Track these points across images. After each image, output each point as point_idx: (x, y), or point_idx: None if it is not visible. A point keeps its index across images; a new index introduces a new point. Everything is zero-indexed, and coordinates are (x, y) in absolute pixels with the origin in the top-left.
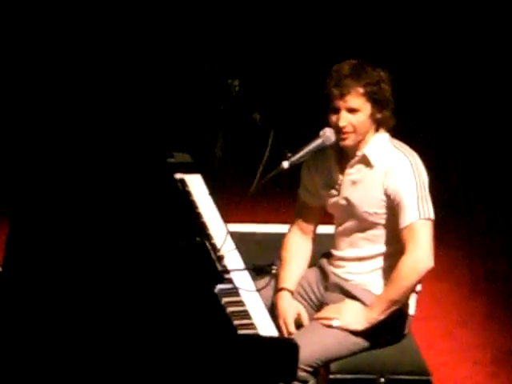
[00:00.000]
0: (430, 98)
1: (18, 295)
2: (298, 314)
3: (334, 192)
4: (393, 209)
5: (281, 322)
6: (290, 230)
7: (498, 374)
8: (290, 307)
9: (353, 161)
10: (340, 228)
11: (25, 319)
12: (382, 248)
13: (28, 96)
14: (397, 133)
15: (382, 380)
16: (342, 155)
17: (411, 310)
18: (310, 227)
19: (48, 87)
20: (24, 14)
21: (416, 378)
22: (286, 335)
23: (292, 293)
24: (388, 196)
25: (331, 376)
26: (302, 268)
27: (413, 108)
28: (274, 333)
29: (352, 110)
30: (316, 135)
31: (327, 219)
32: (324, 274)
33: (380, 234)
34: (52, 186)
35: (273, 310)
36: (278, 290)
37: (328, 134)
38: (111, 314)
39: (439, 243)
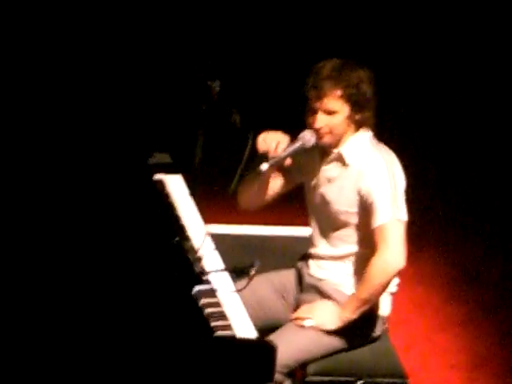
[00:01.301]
0: (420, 100)
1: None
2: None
3: (312, 186)
4: (365, 209)
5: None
6: None
7: (476, 378)
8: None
9: (329, 158)
10: (315, 225)
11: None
12: (355, 248)
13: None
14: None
15: (359, 383)
16: (324, 151)
17: (385, 311)
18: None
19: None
20: (18, 14)
21: (393, 380)
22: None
23: None
24: (361, 196)
25: (308, 379)
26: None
27: (399, 110)
28: (253, 334)
29: (329, 112)
30: (295, 138)
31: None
32: (300, 276)
33: (352, 233)
34: (25, 188)
35: (253, 311)
36: None
37: (307, 137)
38: (86, 314)
39: (419, 247)
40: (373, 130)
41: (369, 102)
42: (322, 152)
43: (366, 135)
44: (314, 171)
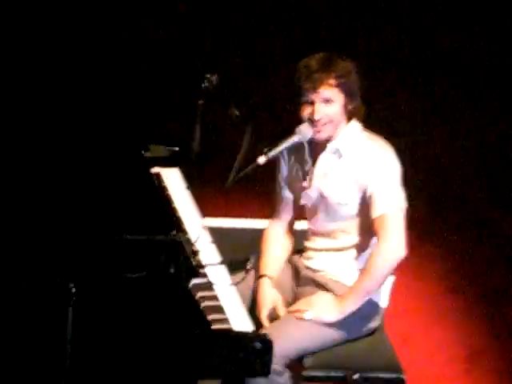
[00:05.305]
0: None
1: None
2: (275, 307)
3: (305, 184)
4: (364, 200)
5: (257, 313)
6: (269, 224)
7: (472, 370)
8: (267, 298)
9: (324, 152)
10: (312, 220)
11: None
12: (355, 239)
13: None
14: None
15: (355, 377)
16: (314, 147)
17: (384, 303)
18: (289, 221)
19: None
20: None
21: (389, 375)
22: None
23: (272, 279)
24: (360, 187)
25: (304, 372)
26: (283, 258)
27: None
28: (249, 328)
29: (326, 101)
30: (292, 131)
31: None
32: (296, 270)
33: (352, 224)
34: (22, 180)
35: (249, 304)
36: (258, 277)
37: (304, 131)
38: (84, 305)
39: (416, 239)
40: (362, 121)
41: (358, 92)
42: (310, 149)
43: (356, 126)
44: (305, 170)
